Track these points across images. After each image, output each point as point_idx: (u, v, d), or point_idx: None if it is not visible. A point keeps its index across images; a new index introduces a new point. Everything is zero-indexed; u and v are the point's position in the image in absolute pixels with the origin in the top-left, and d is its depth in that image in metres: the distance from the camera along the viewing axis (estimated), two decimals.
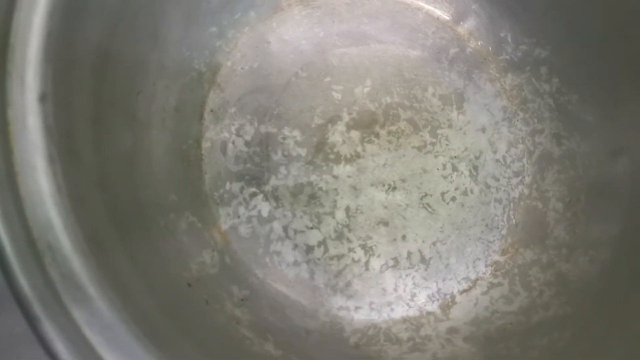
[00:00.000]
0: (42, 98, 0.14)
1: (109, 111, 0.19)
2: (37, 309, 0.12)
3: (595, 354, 0.21)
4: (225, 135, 0.25)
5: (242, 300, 0.22)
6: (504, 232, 0.26)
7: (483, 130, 0.27)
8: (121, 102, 0.20)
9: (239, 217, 0.24)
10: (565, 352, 0.21)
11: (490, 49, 0.28)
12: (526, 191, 0.27)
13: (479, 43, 0.28)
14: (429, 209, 0.26)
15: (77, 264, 0.13)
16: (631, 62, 0.24)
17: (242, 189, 0.24)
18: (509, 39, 0.27)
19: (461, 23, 0.28)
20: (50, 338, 0.12)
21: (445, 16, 0.28)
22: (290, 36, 0.26)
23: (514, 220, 0.26)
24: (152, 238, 0.20)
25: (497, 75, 0.28)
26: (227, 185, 0.24)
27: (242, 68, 0.25)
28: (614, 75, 0.24)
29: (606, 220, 0.24)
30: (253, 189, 0.24)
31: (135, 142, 0.21)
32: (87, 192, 0.16)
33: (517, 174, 0.27)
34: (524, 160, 0.27)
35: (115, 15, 0.18)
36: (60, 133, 0.14)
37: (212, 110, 0.24)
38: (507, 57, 0.28)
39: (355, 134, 0.26)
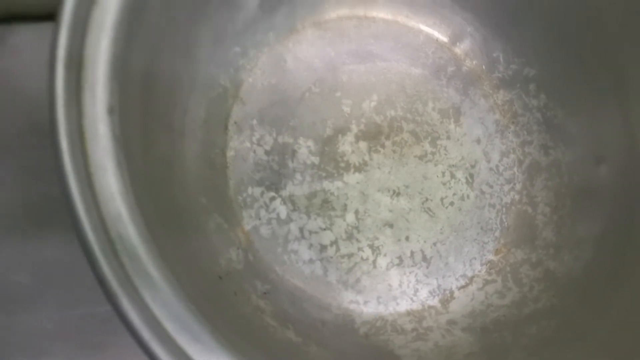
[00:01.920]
0: (111, 110, 0.17)
1: (153, 122, 0.21)
2: (114, 285, 0.15)
3: (579, 341, 0.23)
4: (247, 145, 0.27)
5: (264, 293, 0.24)
6: (497, 233, 0.29)
7: (478, 141, 0.30)
8: (162, 114, 0.22)
9: (260, 219, 0.26)
10: (552, 339, 0.24)
11: (484, 67, 0.31)
12: (517, 197, 0.29)
13: (474, 62, 0.31)
14: (430, 213, 0.29)
15: (142, 251, 0.16)
16: (612, 80, 0.26)
17: (262, 193, 0.27)
18: (501, 59, 0.30)
19: (458, 44, 0.31)
20: (125, 309, 0.15)
21: (443, 38, 0.31)
22: (304, 55, 0.29)
23: (506, 223, 0.29)
24: (187, 236, 0.23)
25: (491, 91, 0.31)
26: (249, 190, 0.27)
27: (262, 84, 0.28)
28: (596, 91, 0.27)
29: (589, 222, 0.27)
30: (272, 194, 0.27)
31: (173, 150, 0.23)
32: (142, 191, 0.18)
33: (508, 181, 0.30)
34: (515, 168, 0.30)
35: (158, 38, 0.21)
36: (124, 140, 0.17)
37: (235, 122, 0.27)
38: (500, 75, 0.31)
39: (363, 144, 0.29)
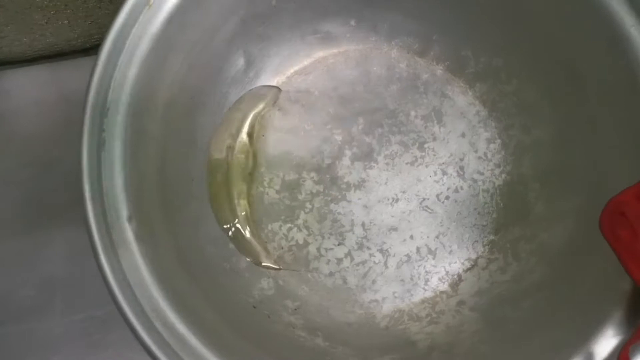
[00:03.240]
0: (129, 219, 0.23)
1: (174, 196, 0.28)
2: (145, 338, 0.21)
3: (561, 310, 0.26)
4: (260, 190, 0.33)
5: (295, 310, 0.30)
6: (494, 215, 0.32)
7: (463, 135, 0.33)
8: (181, 189, 0.29)
9: (282, 248, 0.32)
10: (543, 310, 0.27)
11: (456, 67, 0.33)
12: (508, 178, 0.32)
13: (446, 64, 0.34)
14: (429, 210, 0.32)
15: (170, 315, 0.22)
16: (565, 69, 0.28)
17: (280, 226, 0.32)
18: (470, 55, 0.33)
19: (428, 52, 0.34)
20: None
21: (413, 50, 0.34)
22: (293, 100, 0.34)
23: (501, 204, 0.32)
24: (221, 279, 0.29)
25: (467, 86, 0.33)
26: (269, 226, 0.32)
27: (262, 135, 0.33)
28: (554, 77, 0.29)
29: (573, 194, 0.29)
30: (289, 225, 0.32)
31: (198, 211, 0.29)
32: (169, 266, 0.24)
33: (498, 165, 0.32)
34: (503, 152, 0.32)
35: (166, 141, 0.27)
36: (144, 233, 0.23)
37: (249, 174, 0.33)
38: (472, 70, 0.33)
39: (358, 164, 0.33)
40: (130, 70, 0.25)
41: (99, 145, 0.23)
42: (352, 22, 0.33)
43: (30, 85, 0.36)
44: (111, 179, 0.23)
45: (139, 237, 0.23)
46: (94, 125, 0.24)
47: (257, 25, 0.31)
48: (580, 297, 0.25)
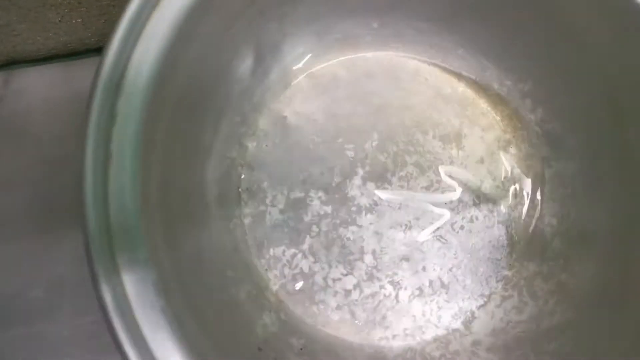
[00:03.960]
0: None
1: (176, 220, 0.23)
2: None
3: (597, 356, 0.25)
4: (262, 208, 0.28)
5: (301, 349, 0.26)
6: (508, 249, 0.30)
7: (481, 161, 0.31)
8: (183, 212, 0.24)
9: (285, 277, 0.28)
10: (571, 355, 0.26)
11: (480, 86, 0.31)
12: (524, 211, 0.31)
13: (469, 82, 0.31)
14: (442, 240, 0.30)
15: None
16: (605, 95, 0.27)
17: (283, 252, 0.28)
18: (495, 77, 0.31)
19: (450, 67, 0.31)
20: None
21: (435, 63, 0.31)
22: (302, 108, 0.30)
23: (516, 238, 0.30)
24: (223, 313, 0.24)
25: (489, 108, 0.31)
26: (271, 251, 0.28)
27: (266, 145, 0.29)
28: (589, 107, 0.28)
29: (593, 239, 0.28)
30: (293, 250, 0.28)
31: (198, 238, 0.24)
32: (171, 295, 0.20)
33: (514, 196, 0.31)
34: (520, 183, 0.31)
35: (169, 149, 0.22)
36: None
37: (247, 189, 0.28)
38: (496, 91, 0.31)
39: (370, 185, 0.30)
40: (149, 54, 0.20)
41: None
42: (375, 25, 0.30)
43: (42, 85, 0.35)
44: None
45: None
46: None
47: (273, 18, 0.26)
48: (619, 340, 0.24)
